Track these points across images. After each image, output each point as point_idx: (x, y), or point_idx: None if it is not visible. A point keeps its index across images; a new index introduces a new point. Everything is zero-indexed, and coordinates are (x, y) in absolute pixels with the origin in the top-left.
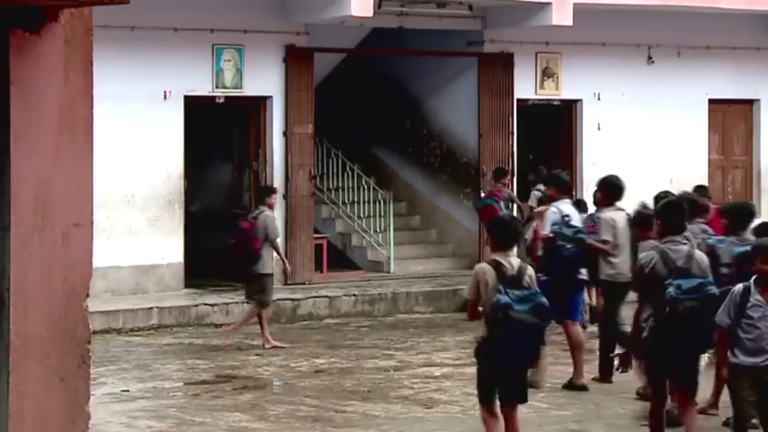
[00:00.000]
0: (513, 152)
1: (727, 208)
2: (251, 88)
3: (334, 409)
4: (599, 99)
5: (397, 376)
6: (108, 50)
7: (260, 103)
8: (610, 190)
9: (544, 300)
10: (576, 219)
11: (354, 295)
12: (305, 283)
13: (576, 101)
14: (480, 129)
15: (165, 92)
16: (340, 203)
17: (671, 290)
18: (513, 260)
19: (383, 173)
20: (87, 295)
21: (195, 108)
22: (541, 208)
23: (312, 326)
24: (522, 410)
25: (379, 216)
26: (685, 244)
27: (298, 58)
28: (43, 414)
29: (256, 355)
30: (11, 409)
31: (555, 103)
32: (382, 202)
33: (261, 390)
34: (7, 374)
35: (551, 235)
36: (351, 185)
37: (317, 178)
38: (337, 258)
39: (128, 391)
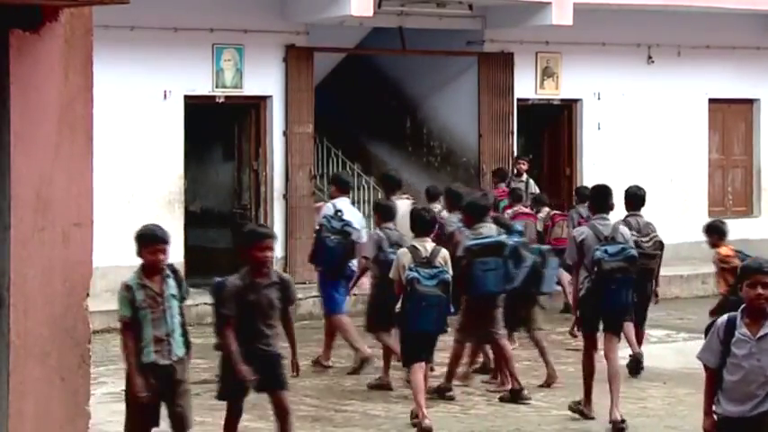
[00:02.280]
0: (513, 152)
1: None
2: (251, 88)
3: (335, 408)
4: (599, 99)
5: (396, 376)
6: (108, 50)
7: (260, 102)
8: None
9: (448, 276)
10: (357, 219)
11: (354, 295)
12: (305, 283)
13: (576, 100)
14: (480, 128)
15: (165, 92)
16: None
17: (598, 253)
18: (427, 245)
19: (383, 173)
20: (87, 295)
21: (195, 108)
22: (319, 204)
23: (312, 326)
24: (521, 410)
25: None
26: (608, 220)
27: (298, 57)
28: (43, 413)
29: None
30: (11, 408)
31: (555, 102)
32: None
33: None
34: (7, 374)
35: (318, 226)
36: (351, 186)
37: (317, 178)
38: None
39: None
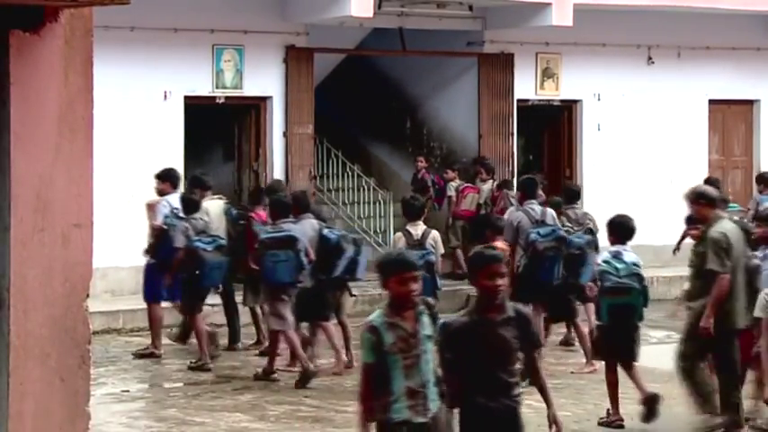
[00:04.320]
0: (513, 152)
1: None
2: (251, 89)
3: (335, 409)
4: (599, 99)
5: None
6: (108, 51)
7: (260, 103)
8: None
9: (433, 257)
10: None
11: (354, 295)
12: None
13: (576, 101)
14: (480, 129)
15: (165, 92)
16: (340, 204)
17: (533, 235)
18: (419, 229)
19: (383, 173)
20: (87, 295)
21: (195, 108)
22: (153, 200)
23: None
24: (522, 410)
25: (380, 216)
26: (537, 205)
27: (298, 58)
28: (43, 414)
29: (256, 355)
30: (11, 409)
31: (555, 103)
32: (382, 202)
33: (261, 390)
34: (7, 375)
35: (165, 226)
36: (351, 186)
37: (317, 179)
38: None
39: (128, 391)
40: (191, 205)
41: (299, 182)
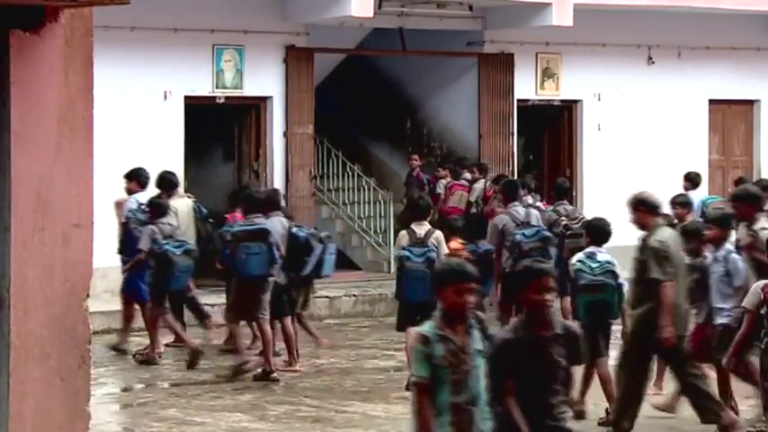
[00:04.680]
0: (513, 152)
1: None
2: (251, 89)
3: (335, 409)
4: (599, 99)
5: (397, 376)
6: (108, 51)
7: (260, 103)
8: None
9: (434, 254)
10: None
11: (354, 295)
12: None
13: (576, 101)
14: (480, 129)
15: (165, 92)
16: (340, 204)
17: (518, 237)
18: (423, 228)
19: (383, 173)
20: (87, 295)
21: (195, 108)
22: (121, 198)
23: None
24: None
25: (380, 216)
26: (518, 206)
27: (298, 58)
28: (43, 414)
29: (256, 355)
30: (11, 409)
31: (555, 103)
32: (382, 202)
33: (261, 390)
34: (7, 375)
35: (125, 220)
36: (351, 186)
37: (318, 179)
38: (337, 259)
39: (128, 391)
40: (159, 209)
41: (299, 182)
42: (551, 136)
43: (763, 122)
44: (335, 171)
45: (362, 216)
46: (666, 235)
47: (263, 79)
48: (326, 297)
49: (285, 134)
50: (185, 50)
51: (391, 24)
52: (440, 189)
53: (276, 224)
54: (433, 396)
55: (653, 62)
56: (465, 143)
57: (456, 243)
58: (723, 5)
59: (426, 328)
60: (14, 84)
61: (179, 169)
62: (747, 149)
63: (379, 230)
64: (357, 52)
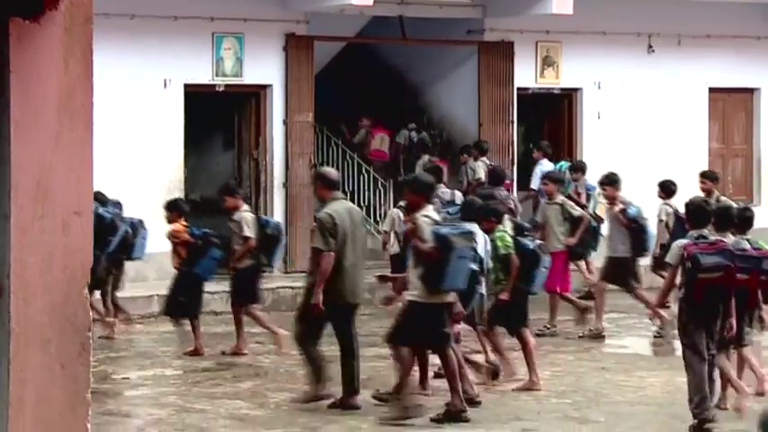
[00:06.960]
0: (513, 141)
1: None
2: (251, 77)
3: (335, 396)
4: (599, 88)
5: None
6: (108, 39)
7: (260, 91)
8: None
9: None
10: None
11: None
12: (304, 272)
13: (576, 89)
14: (480, 117)
15: (165, 80)
16: (340, 192)
17: (442, 214)
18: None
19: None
20: (87, 282)
21: (195, 96)
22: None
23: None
24: (522, 397)
25: (379, 204)
26: (443, 188)
27: (298, 46)
28: (44, 401)
29: (257, 342)
30: (11, 396)
31: (555, 91)
32: (382, 190)
33: (261, 377)
34: (8, 362)
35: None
36: (350, 174)
37: (317, 166)
38: None
39: (128, 378)
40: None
41: (299, 170)
42: (551, 124)
43: (763, 111)
44: (335, 159)
45: (362, 204)
46: (337, 208)
47: (263, 67)
48: None
49: (285, 122)
50: (185, 38)
51: (391, 12)
52: (360, 136)
53: None
54: None
55: (653, 50)
56: (465, 131)
57: (178, 225)
58: None
59: None
60: (14, 72)
61: (179, 157)
62: (747, 138)
63: (379, 218)
64: (357, 40)
